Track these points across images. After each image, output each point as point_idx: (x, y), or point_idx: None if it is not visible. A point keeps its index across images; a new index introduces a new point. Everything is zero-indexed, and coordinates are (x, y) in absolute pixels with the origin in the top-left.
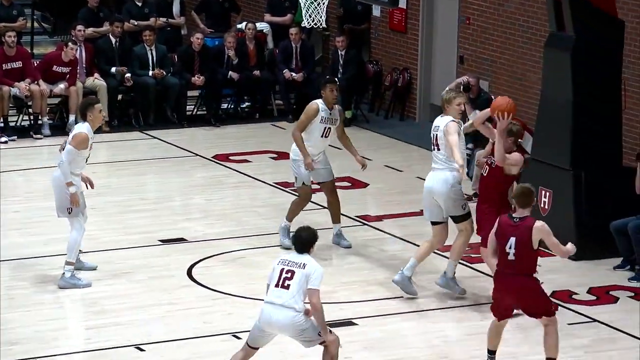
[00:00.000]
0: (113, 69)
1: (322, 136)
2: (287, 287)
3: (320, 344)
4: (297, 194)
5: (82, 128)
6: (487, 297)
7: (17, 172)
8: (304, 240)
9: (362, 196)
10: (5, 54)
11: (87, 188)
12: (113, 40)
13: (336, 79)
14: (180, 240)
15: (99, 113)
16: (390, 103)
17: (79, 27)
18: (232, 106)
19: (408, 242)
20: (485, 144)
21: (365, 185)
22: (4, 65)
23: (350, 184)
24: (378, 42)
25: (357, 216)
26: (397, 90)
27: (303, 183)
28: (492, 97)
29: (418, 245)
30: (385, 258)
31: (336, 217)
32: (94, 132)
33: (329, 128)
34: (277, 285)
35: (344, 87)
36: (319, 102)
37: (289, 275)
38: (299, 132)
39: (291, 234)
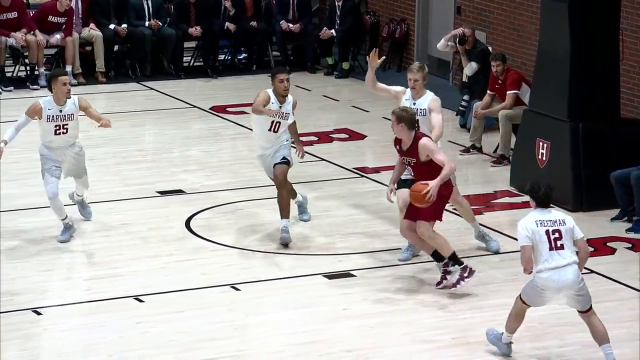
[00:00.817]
0: (112, 26)
1: (270, 130)
2: (562, 247)
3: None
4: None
5: (43, 98)
6: (484, 249)
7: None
8: (549, 195)
9: (359, 148)
10: (0, 5)
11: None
12: None
13: (287, 67)
14: (178, 191)
15: (62, 86)
16: (388, 54)
17: None
18: (229, 57)
19: None
20: (482, 95)
21: (362, 137)
22: None
23: (348, 136)
24: None
25: (354, 168)
26: (394, 42)
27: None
28: (490, 48)
29: None
30: (383, 210)
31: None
32: (60, 105)
33: (278, 123)
34: (552, 249)
35: (341, 38)
36: (269, 92)
37: (556, 235)
38: (254, 114)
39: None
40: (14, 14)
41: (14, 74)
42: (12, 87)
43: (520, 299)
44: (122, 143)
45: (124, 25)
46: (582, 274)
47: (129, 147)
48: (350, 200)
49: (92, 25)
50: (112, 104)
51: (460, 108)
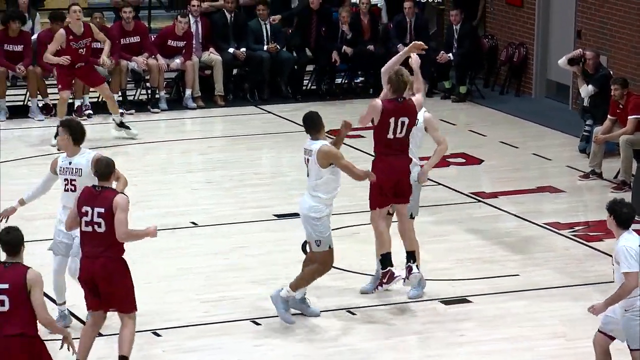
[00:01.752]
0: (231, 50)
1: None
2: None
3: None
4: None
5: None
6: (607, 277)
7: (134, 146)
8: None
9: (476, 173)
10: (123, 29)
11: None
12: (228, 15)
13: None
14: (295, 215)
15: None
16: (506, 78)
17: (194, 1)
18: (346, 81)
19: (523, 219)
20: (603, 120)
21: (479, 161)
22: (122, 40)
23: (464, 160)
24: (493, 16)
25: (471, 193)
26: (512, 65)
27: (329, 246)
28: (611, 73)
29: (534, 223)
30: (501, 235)
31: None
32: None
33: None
34: None
35: (458, 62)
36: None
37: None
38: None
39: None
40: (136, 39)
41: (136, 97)
42: (133, 110)
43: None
44: (240, 166)
45: (243, 49)
46: None
47: (246, 170)
48: (466, 225)
49: (211, 49)
50: (230, 127)
51: (584, 133)
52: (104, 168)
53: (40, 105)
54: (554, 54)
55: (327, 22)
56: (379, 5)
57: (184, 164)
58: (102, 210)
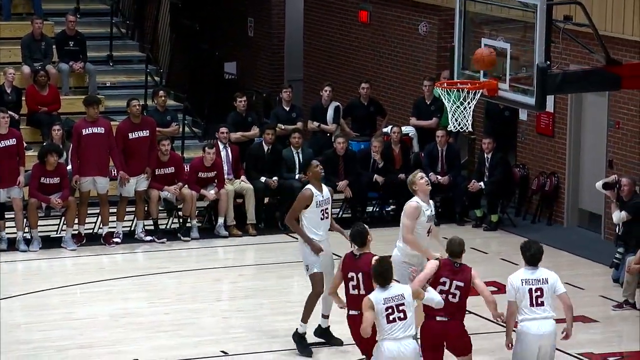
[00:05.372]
0: (263, 179)
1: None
2: (542, 304)
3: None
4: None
5: None
6: None
7: (166, 274)
8: (538, 256)
9: None
10: (159, 160)
11: None
12: (265, 147)
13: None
14: (327, 344)
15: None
16: (537, 207)
17: (223, 129)
18: (378, 209)
19: (557, 349)
20: (637, 248)
21: None
22: (157, 170)
23: (496, 289)
24: (525, 145)
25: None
26: (544, 194)
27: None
28: None
29: (567, 353)
30: None
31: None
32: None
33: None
34: (532, 305)
35: (489, 190)
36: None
37: (538, 293)
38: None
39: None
40: (171, 169)
41: (167, 226)
42: (165, 239)
43: None
44: (271, 295)
45: (275, 178)
46: None
47: (278, 299)
48: (498, 355)
49: (242, 177)
50: (261, 255)
51: (614, 260)
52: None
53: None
54: (586, 183)
55: (352, 162)
56: (410, 134)
57: (214, 292)
58: None
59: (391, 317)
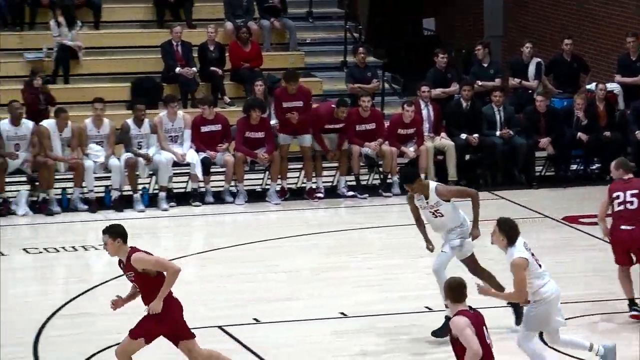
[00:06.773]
0: (463, 136)
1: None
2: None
3: None
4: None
5: None
6: None
7: (369, 230)
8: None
9: None
10: (359, 116)
11: None
12: (464, 103)
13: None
14: None
15: None
16: None
17: (424, 87)
18: (582, 167)
19: None
20: None
21: None
22: (357, 126)
23: None
24: None
25: None
26: None
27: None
28: None
29: None
30: None
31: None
32: None
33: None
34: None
35: None
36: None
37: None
38: None
39: None
40: (372, 125)
41: (368, 182)
42: (366, 195)
43: None
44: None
45: (475, 135)
46: None
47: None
48: None
49: (443, 134)
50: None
51: None
52: None
53: (277, 189)
54: None
55: (554, 120)
56: (615, 91)
57: (416, 248)
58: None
59: (539, 262)
